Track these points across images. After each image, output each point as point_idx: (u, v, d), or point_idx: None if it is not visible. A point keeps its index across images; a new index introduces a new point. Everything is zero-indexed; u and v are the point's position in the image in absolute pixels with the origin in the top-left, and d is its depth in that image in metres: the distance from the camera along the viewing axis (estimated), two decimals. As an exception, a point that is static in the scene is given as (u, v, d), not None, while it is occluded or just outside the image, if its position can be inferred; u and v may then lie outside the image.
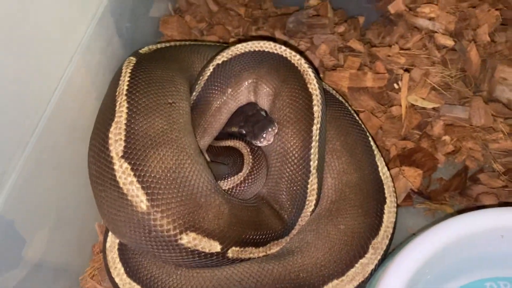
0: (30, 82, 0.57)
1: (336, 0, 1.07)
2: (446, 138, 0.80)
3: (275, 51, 0.71)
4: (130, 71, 0.65)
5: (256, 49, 0.71)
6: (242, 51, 0.71)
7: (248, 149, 0.67)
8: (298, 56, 0.70)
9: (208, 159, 0.73)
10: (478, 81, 0.86)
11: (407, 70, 0.84)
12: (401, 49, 0.85)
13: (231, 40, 0.93)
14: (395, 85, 0.84)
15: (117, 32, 0.76)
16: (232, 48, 0.71)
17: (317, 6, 0.93)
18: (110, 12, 0.73)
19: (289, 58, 0.70)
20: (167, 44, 0.77)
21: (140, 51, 0.73)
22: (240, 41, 0.89)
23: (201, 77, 0.71)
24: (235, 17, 0.99)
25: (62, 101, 0.62)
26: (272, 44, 0.71)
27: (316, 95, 0.67)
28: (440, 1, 0.87)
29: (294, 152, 0.66)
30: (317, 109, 0.67)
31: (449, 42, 0.83)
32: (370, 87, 0.83)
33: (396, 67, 0.84)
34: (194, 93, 0.71)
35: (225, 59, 0.71)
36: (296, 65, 0.69)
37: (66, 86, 0.62)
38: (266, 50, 0.71)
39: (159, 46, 0.76)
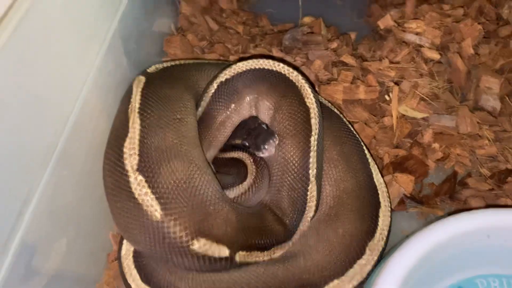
0: (48, 106, 0.62)
1: (329, 16, 1.14)
2: (436, 145, 0.85)
3: (274, 68, 0.76)
4: (140, 90, 0.71)
5: (257, 67, 0.76)
6: (244, 69, 0.76)
7: (251, 160, 0.72)
8: (295, 73, 0.75)
9: (214, 170, 0.78)
10: (464, 91, 0.92)
11: (397, 83, 0.89)
12: (391, 62, 0.91)
13: (231, 57, 0.98)
14: (386, 97, 0.89)
15: (125, 54, 0.81)
16: (234, 66, 0.77)
17: (311, 24, 0.99)
18: (119, 36, 0.78)
19: (287, 75, 0.75)
20: (173, 63, 0.82)
21: (148, 70, 0.78)
22: (240, 59, 0.95)
23: (205, 94, 0.76)
24: (234, 35, 1.04)
25: (78, 122, 0.66)
26: (271, 62, 0.77)
27: (313, 108, 0.73)
28: (426, 17, 0.93)
29: (294, 161, 0.70)
30: (314, 121, 0.72)
31: (436, 56, 0.89)
32: (363, 99, 0.88)
33: (387, 80, 0.90)
34: (199, 109, 0.76)
35: (228, 77, 0.76)
36: (293, 81, 0.75)
37: (81, 108, 0.67)
38: (266, 67, 0.76)
39: (165, 65, 0.81)
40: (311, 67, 0.93)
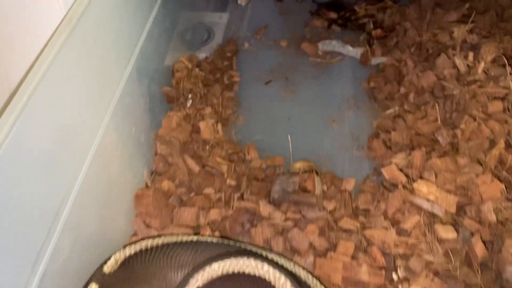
0: None
1: (325, 146, 1.02)
2: None
3: (256, 273, 0.62)
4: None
5: (235, 271, 0.63)
6: (220, 274, 0.63)
7: None
8: (283, 279, 0.62)
9: None
10: (485, 259, 0.78)
11: (405, 259, 0.75)
12: (398, 232, 0.77)
13: (212, 211, 0.84)
14: (394, 276, 0.75)
15: (80, 238, 0.68)
16: (208, 269, 0.63)
17: (304, 176, 0.86)
18: (73, 221, 0.65)
19: (273, 283, 0.62)
20: (137, 249, 0.69)
21: (104, 269, 0.65)
22: (221, 217, 0.82)
23: (173, 308, 0.62)
24: (217, 178, 0.91)
25: None
26: (253, 262, 0.63)
27: (305, 333, 0.59)
28: (438, 177, 0.80)
29: None
30: None
31: (451, 236, 0.75)
32: (367, 282, 0.74)
33: (394, 252, 0.76)
34: (165, 328, 0.62)
35: (200, 284, 0.62)
36: (280, 291, 0.61)
37: None
38: (247, 272, 0.63)
39: (127, 253, 0.68)
40: (305, 230, 0.80)
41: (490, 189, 0.79)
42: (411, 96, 1.02)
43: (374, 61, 1.18)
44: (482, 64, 0.95)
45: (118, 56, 0.82)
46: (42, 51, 0.63)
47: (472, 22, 1.06)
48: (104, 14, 0.75)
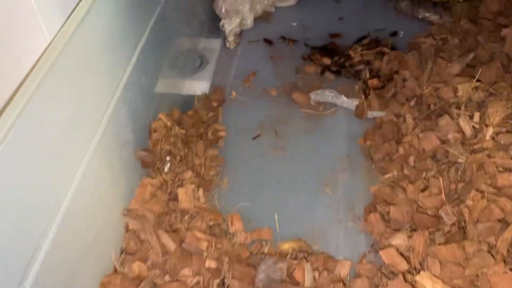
0: None
1: (318, 214, 0.92)
2: None
3: None
4: None
5: None
6: None
7: None
8: None
9: None
10: None
11: None
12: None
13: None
14: None
15: None
16: None
17: (293, 262, 0.76)
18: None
19: None
20: None
21: None
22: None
23: None
24: (195, 257, 0.81)
25: None
26: None
27: None
28: (443, 269, 0.70)
29: None
30: None
31: None
32: None
33: None
34: None
35: None
36: None
37: None
38: None
39: None
40: (293, 326, 0.70)
41: (502, 281, 0.70)
42: (411, 160, 0.93)
43: (371, 114, 1.09)
44: (490, 130, 0.86)
45: (86, 122, 0.73)
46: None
47: (478, 81, 0.97)
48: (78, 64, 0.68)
